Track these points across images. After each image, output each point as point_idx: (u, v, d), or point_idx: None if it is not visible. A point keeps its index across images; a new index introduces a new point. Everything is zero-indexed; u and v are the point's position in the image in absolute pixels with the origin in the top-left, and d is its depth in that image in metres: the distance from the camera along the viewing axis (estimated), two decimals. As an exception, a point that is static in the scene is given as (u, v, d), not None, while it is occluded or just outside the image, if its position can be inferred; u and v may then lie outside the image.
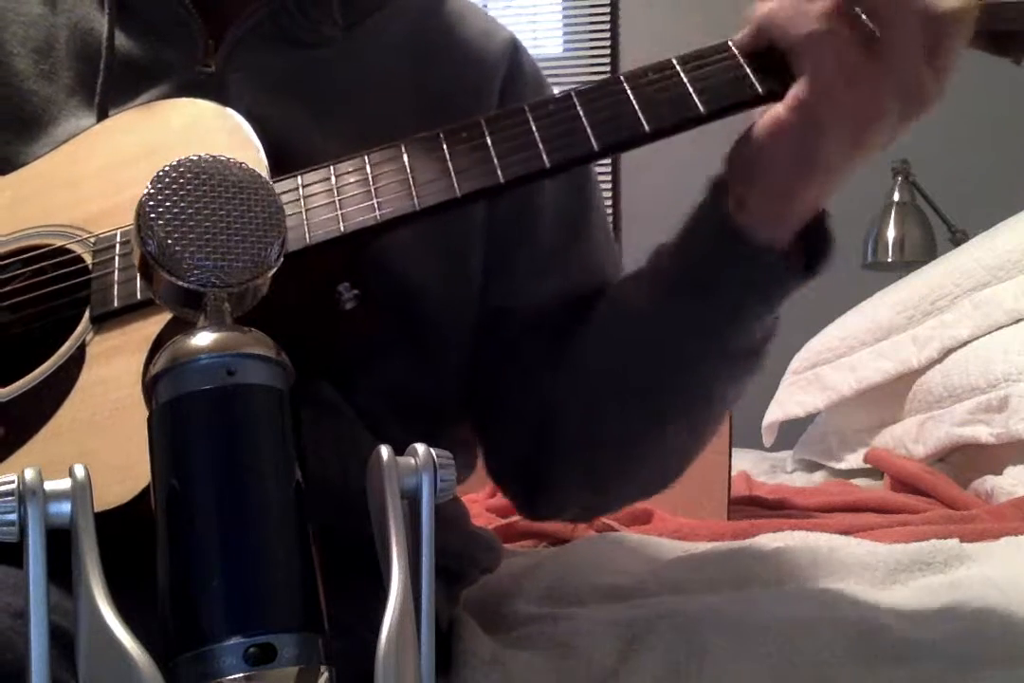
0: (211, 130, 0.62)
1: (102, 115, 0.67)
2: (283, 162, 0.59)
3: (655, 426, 0.68)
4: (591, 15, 3.17)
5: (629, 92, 0.57)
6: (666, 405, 0.67)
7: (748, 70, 0.57)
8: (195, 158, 0.39)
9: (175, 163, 0.38)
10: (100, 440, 0.52)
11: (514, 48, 0.77)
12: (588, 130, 0.57)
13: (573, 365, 0.68)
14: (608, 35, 3.15)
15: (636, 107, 0.57)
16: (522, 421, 0.71)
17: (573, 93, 0.58)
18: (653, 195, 3.07)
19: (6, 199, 0.66)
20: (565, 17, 3.21)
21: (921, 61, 0.55)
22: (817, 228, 0.61)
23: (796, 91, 0.55)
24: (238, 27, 0.69)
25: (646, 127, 0.57)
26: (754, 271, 0.60)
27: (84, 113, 0.68)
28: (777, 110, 0.56)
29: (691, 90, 0.57)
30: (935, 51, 0.55)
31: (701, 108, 0.56)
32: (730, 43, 0.58)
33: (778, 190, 0.58)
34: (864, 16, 0.54)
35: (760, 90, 0.57)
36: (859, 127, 0.56)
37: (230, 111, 0.62)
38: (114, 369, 0.55)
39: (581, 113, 0.57)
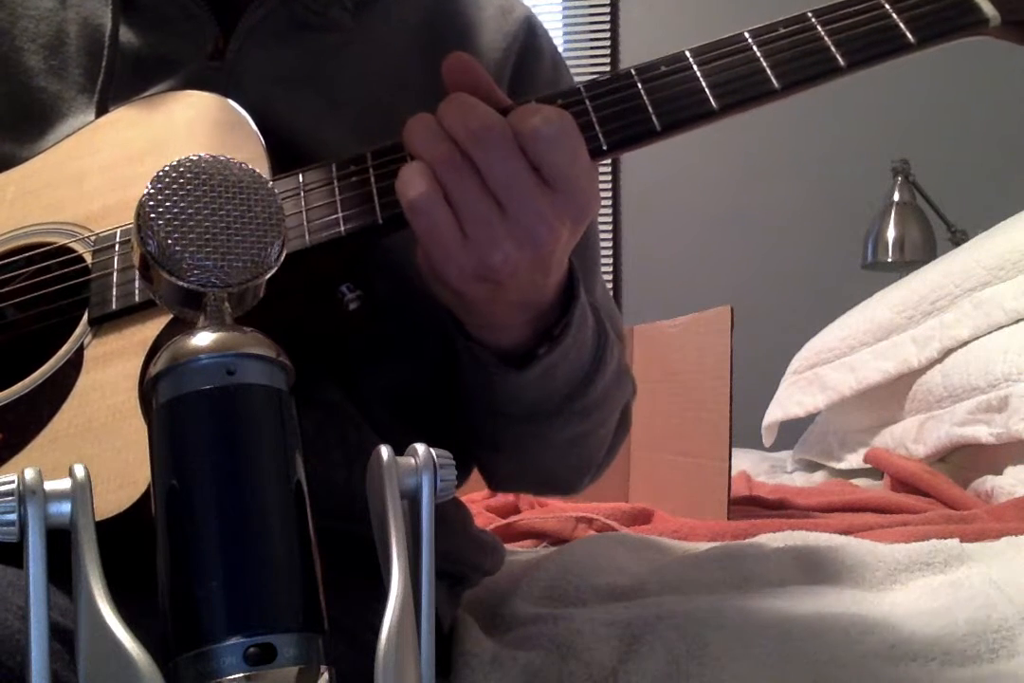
0: (215, 124, 0.62)
1: (101, 113, 0.67)
2: (291, 154, 0.59)
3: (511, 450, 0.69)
4: (591, 15, 3.18)
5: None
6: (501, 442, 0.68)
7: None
8: (195, 158, 0.39)
9: (175, 163, 0.38)
10: (97, 446, 0.51)
11: (529, 25, 0.76)
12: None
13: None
14: (608, 35, 3.16)
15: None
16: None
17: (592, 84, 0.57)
18: (653, 195, 3.08)
19: (10, 195, 0.65)
20: (565, 17, 3.21)
21: (534, 192, 0.50)
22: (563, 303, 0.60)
23: (421, 254, 0.54)
24: (249, 18, 0.69)
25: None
26: (481, 364, 0.61)
27: (92, 110, 0.68)
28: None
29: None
30: (545, 172, 0.50)
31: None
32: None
33: (475, 318, 0.59)
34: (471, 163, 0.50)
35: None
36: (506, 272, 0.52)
37: (233, 104, 0.62)
38: (111, 373, 0.54)
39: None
